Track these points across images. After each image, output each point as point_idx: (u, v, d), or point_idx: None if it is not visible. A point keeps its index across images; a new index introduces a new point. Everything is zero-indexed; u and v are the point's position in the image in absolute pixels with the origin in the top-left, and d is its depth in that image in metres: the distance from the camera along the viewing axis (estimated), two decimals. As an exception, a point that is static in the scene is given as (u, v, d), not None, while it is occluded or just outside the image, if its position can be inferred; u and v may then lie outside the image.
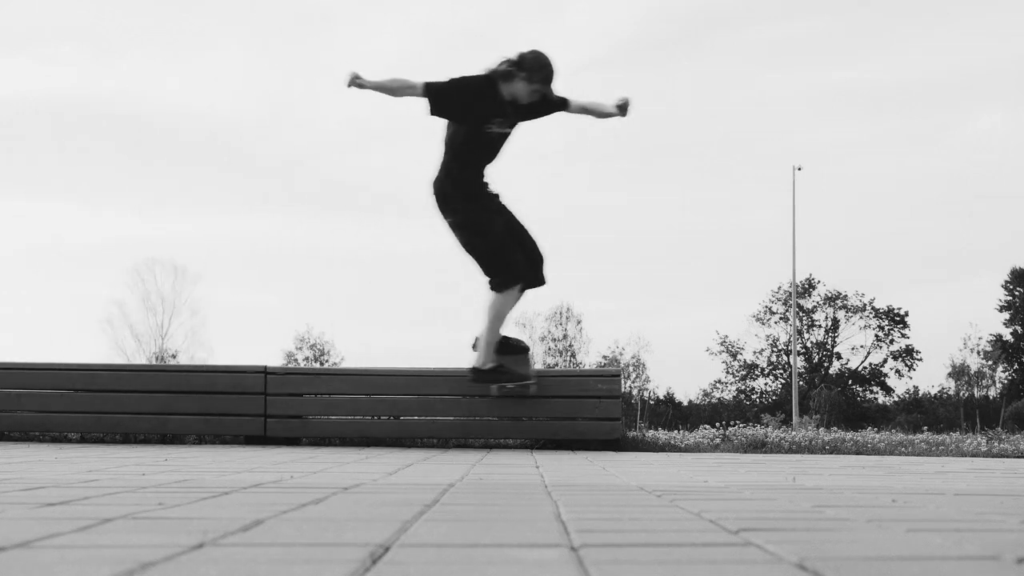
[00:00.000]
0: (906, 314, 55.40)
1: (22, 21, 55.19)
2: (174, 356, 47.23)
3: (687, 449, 6.89)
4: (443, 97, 5.89)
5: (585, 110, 6.29)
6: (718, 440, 7.14)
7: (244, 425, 7.12)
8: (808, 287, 55.60)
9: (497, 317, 6.20)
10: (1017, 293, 55.51)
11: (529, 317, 52.47)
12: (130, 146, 59.27)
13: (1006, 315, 55.53)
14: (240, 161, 60.04)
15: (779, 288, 54.43)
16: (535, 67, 5.93)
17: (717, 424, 8.78)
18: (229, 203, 61.36)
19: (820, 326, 56.37)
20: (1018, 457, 6.26)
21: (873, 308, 55.40)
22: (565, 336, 52.08)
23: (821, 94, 62.64)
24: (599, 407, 6.92)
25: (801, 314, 54.02)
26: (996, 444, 6.96)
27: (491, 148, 6.08)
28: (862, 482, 3.24)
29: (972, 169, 60.72)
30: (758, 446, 6.70)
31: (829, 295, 56.09)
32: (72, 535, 1.60)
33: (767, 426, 10.90)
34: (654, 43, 64.37)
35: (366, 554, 1.41)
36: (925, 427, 12.53)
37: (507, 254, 6.10)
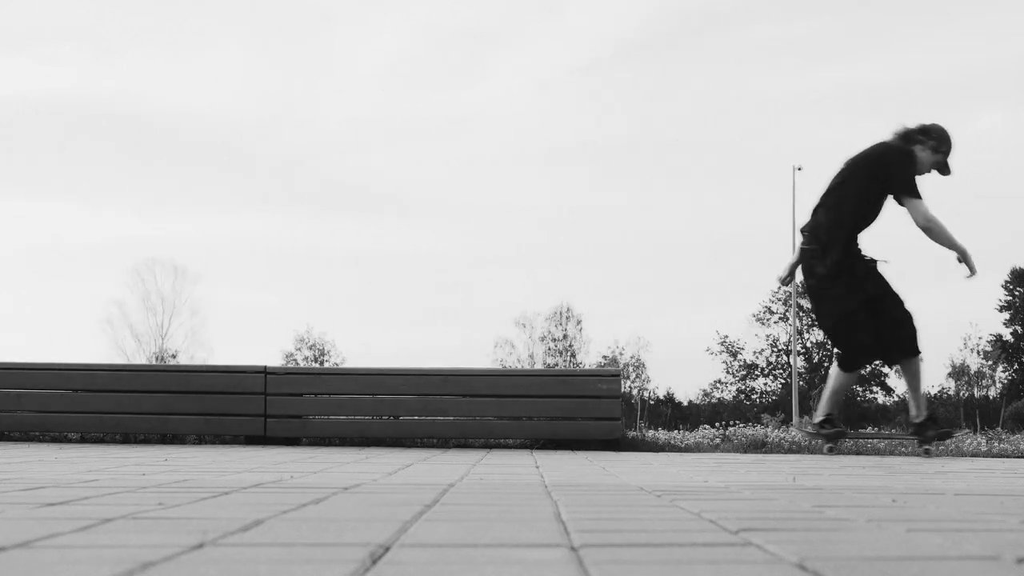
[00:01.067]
0: (906, 314, 55.36)
1: (22, 21, 55.22)
2: (174, 356, 47.26)
3: (687, 449, 6.88)
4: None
5: None
6: (718, 440, 7.14)
7: (244, 425, 7.12)
8: (808, 287, 55.55)
9: (831, 387, 6.22)
10: (1017, 293, 55.52)
11: (529, 317, 52.50)
12: (130, 146, 59.32)
13: (1006, 315, 55.55)
14: (240, 161, 60.08)
15: (779, 288, 54.39)
16: (943, 138, 6.00)
17: (717, 424, 8.78)
18: (229, 203, 61.40)
19: (820, 326, 56.35)
20: (1018, 457, 6.26)
21: (873, 308, 55.36)
22: (565, 336, 52.11)
23: (821, 94, 62.63)
24: (599, 407, 6.92)
25: (801, 314, 54.00)
26: (996, 444, 6.95)
27: (879, 210, 6.12)
28: (862, 482, 3.24)
29: (972, 169, 60.69)
30: (758, 446, 6.70)
31: (829, 295, 56.03)
32: (72, 535, 1.60)
33: (767, 426, 10.89)
34: (654, 43, 64.40)
35: (366, 554, 1.41)
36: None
37: (851, 335, 6.02)
